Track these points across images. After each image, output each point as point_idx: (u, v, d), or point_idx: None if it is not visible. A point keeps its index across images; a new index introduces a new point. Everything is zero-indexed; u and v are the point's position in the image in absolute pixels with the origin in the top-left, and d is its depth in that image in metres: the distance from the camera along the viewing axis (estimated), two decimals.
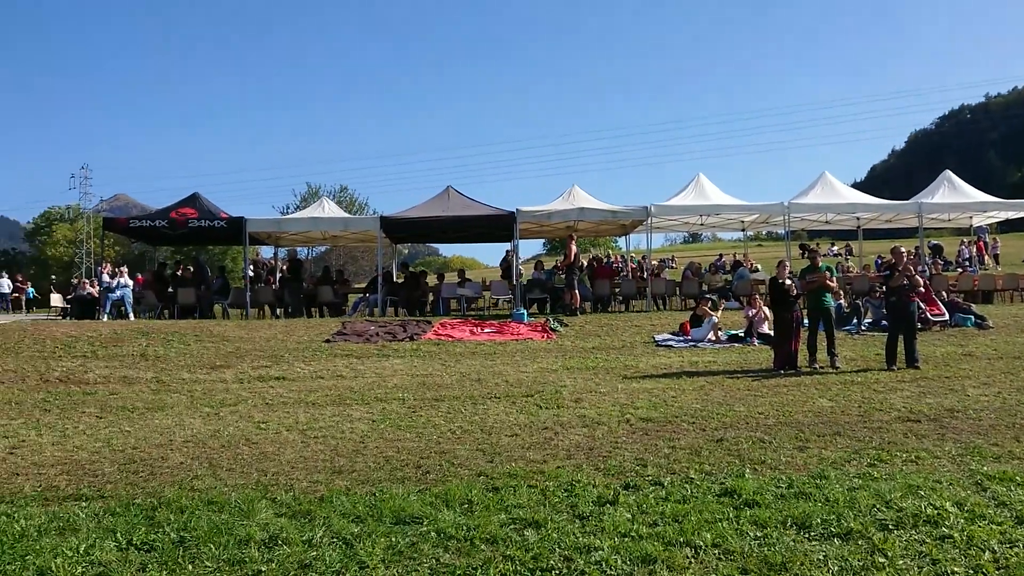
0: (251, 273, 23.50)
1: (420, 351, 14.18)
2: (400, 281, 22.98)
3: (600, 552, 4.64)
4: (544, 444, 7.53)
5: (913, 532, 4.88)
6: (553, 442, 7.61)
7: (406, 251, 30.45)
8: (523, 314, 17.96)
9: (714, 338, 15.10)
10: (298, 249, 26.96)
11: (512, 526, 5.12)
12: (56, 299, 26.60)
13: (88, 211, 78.69)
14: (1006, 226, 32.97)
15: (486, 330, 16.51)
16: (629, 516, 5.26)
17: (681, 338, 15.33)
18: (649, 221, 21.01)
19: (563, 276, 19.93)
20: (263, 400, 10.37)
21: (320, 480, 6.40)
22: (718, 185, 22.70)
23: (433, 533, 4.98)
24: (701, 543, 4.72)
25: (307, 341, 15.25)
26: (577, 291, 19.00)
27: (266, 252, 28.17)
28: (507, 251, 25.74)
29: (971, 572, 4.30)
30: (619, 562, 4.50)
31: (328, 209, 24.27)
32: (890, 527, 4.96)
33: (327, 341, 15.25)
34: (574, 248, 19.15)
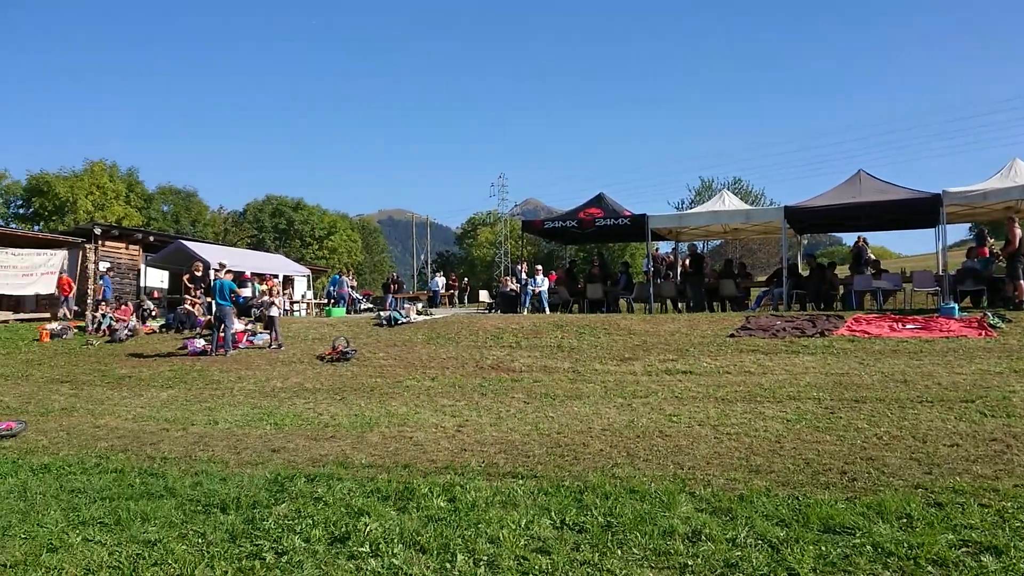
0: (650, 267, 24.10)
1: (833, 348, 13.28)
2: (806, 273, 21.87)
3: None
4: (994, 458, 6.55)
5: None
6: (1006, 456, 6.59)
7: (805, 242, 28.81)
8: (953, 308, 15.93)
9: None
10: (696, 243, 27.03)
11: (963, 549, 4.52)
12: (483, 295, 30.01)
13: (504, 215, 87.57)
14: None
15: (908, 326, 14.94)
16: None
17: None
18: None
19: (1004, 265, 17.28)
20: (672, 393, 10.52)
21: (737, 478, 6.28)
22: None
23: (868, 547, 4.58)
24: None
25: (711, 336, 15.17)
26: (1023, 281, 16.35)
27: (664, 247, 28.69)
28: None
29: None
30: None
31: (729, 202, 23.95)
32: None
33: (731, 336, 15.02)
34: (1018, 232, 16.50)
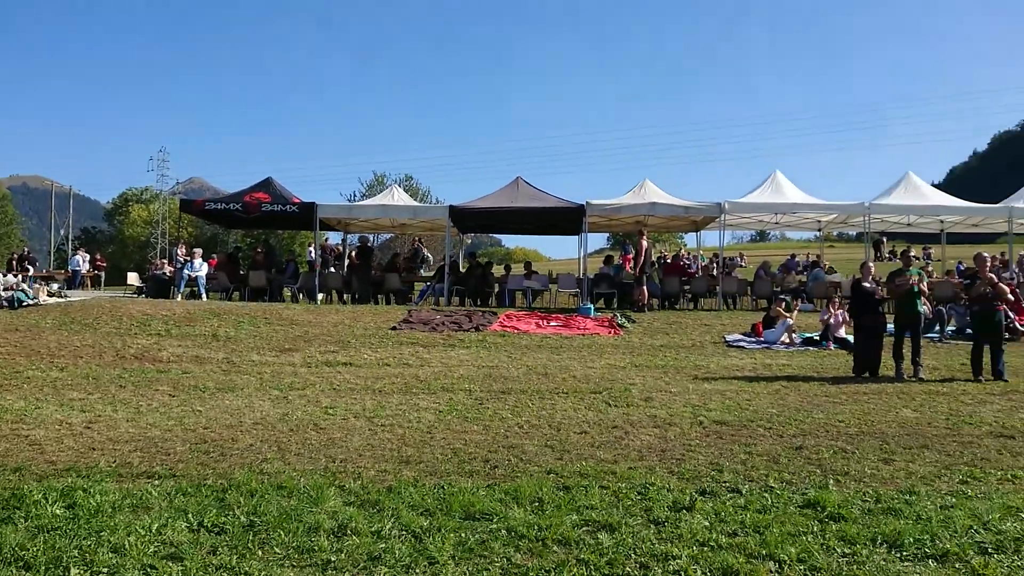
0: (317, 257, 23.75)
1: (486, 342, 14.09)
2: (466, 271, 22.95)
3: (678, 561, 4.44)
4: (615, 443, 7.34)
5: (1015, 557, 4.56)
6: (624, 442, 7.41)
7: (469, 241, 30.45)
8: (590, 308, 17.74)
9: (788, 340, 14.64)
10: (367, 236, 27.19)
11: (585, 528, 4.96)
12: (132, 278, 27.34)
13: (165, 193, 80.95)
14: None
15: (552, 323, 16.34)
16: (707, 524, 5.04)
17: (753, 339, 14.92)
18: (723, 218, 20.54)
19: (632, 271, 19.60)
20: (330, 385, 10.40)
21: (388, 469, 6.33)
22: (794, 183, 22.06)
23: (504, 531, 4.85)
24: (785, 557, 4.49)
25: (374, 328, 15.31)
26: (646, 287, 18.68)
27: (333, 238, 28.45)
28: None
29: None
30: (698, 572, 4.30)
31: (398, 197, 24.39)
32: (990, 551, 4.64)
33: (393, 328, 15.29)
34: (645, 243, 18.82)
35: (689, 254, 31.41)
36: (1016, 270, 23.08)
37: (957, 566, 4.43)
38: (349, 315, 16.69)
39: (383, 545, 4.60)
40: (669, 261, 26.04)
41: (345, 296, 21.83)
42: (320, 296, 21.17)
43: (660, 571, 4.32)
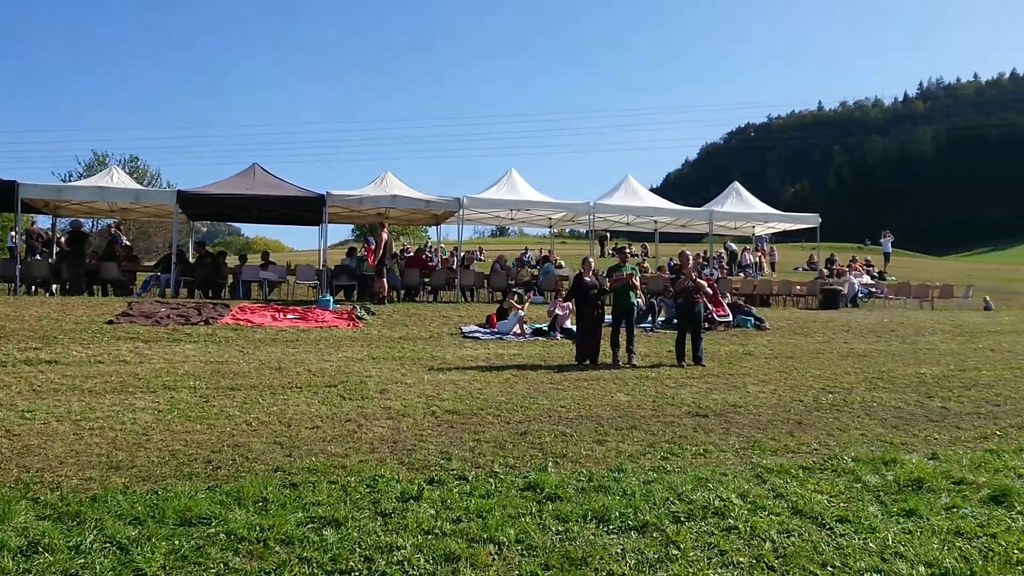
0: (18, 243, 21.16)
1: (216, 336, 13.34)
2: (195, 260, 21.56)
3: (402, 551, 4.50)
4: (347, 437, 7.27)
5: (703, 523, 5.12)
6: (356, 435, 7.37)
7: (204, 229, 28.79)
8: (329, 300, 17.42)
9: (519, 331, 15.35)
10: (82, 221, 24.70)
11: (310, 525, 4.87)
12: None
13: None
14: (780, 237, 36.11)
15: (289, 316, 15.84)
16: (433, 512, 5.16)
17: (487, 330, 15.46)
18: (461, 213, 21.06)
19: (372, 263, 19.52)
20: (30, 386, 9.29)
21: (94, 477, 5.79)
22: (528, 181, 23.18)
23: (222, 535, 4.63)
24: (504, 539, 4.70)
25: (87, 322, 13.93)
26: (386, 280, 18.69)
27: (43, 222, 25.56)
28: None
29: (754, 561, 4.56)
30: (421, 561, 4.39)
31: (117, 179, 22.33)
32: (682, 519, 5.18)
33: (110, 322, 14.01)
34: (385, 236, 18.80)
35: (431, 247, 31.96)
36: (715, 266, 26.01)
37: (655, 535, 4.90)
38: (57, 308, 15.06)
39: (82, 560, 4.22)
40: (412, 254, 26.32)
41: (54, 287, 19.66)
42: (21, 287, 18.88)
43: (384, 563, 4.35)
